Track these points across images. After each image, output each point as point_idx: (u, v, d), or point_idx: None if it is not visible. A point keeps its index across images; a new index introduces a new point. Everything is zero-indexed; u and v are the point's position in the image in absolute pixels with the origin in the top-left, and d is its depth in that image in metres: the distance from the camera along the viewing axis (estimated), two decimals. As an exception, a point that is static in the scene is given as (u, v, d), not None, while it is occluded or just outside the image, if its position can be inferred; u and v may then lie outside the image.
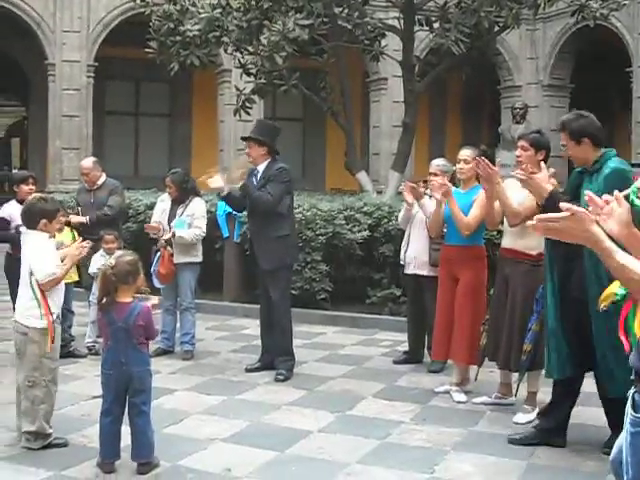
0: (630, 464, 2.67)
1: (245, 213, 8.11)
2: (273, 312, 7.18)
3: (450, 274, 6.59)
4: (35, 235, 5.21)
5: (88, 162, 8.75)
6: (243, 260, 9.95)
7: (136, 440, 4.79)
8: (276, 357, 7.20)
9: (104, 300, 4.82)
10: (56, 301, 5.23)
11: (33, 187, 7.46)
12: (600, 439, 5.21)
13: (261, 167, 7.16)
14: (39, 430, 5.10)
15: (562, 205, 2.52)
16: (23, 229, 5.37)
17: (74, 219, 8.10)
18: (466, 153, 6.54)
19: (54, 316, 5.15)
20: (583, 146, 5.08)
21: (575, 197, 4.94)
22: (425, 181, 7.52)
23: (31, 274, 5.10)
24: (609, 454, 4.79)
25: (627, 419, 2.70)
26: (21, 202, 6.67)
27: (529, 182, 5.20)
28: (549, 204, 5.11)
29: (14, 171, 19.50)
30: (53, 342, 5.10)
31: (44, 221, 5.18)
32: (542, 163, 5.37)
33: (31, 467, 4.83)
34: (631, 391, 2.69)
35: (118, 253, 7.07)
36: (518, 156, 5.78)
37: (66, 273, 5.31)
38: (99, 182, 8.48)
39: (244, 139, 7.48)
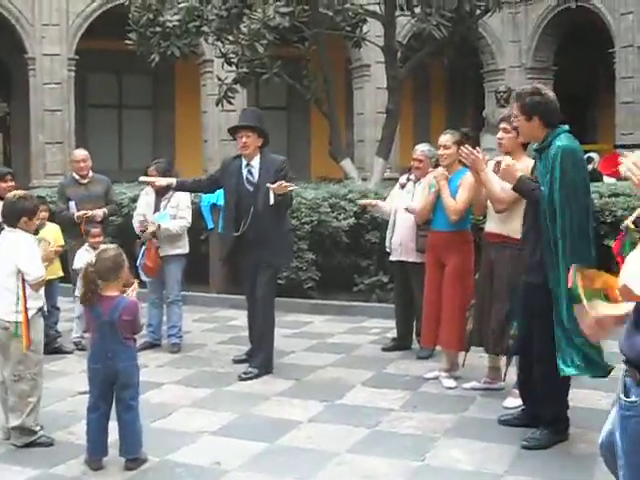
0: (621, 448, 2.65)
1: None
2: (258, 307, 6.93)
3: (437, 260, 6.56)
4: (20, 235, 5.19)
5: (82, 151, 8.61)
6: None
7: (124, 436, 4.76)
8: (251, 352, 7.07)
9: (87, 296, 4.79)
10: (39, 295, 5.20)
11: (11, 184, 7.37)
12: (592, 422, 5.19)
13: (255, 160, 6.88)
14: (23, 425, 5.06)
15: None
16: (5, 227, 5.32)
17: (91, 212, 7.99)
18: (445, 138, 6.46)
19: (34, 310, 5.12)
20: (532, 123, 4.96)
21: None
22: (409, 169, 7.47)
23: (18, 272, 5.07)
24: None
25: (617, 404, 2.68)
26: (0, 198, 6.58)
27: (504, 171, 5.18)
28: (518, 189, 5.11)
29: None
30: (29, 339, 5.05)
31: (24, 219, 5.19)
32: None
33: (17, 466, 4.78)
34: (621, 374, 2.68)
35: (101, 247, 7.05)
36: (500, 138, 5.75)
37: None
38: (90, 175, 8.36)
39: (241, 128, 6.92)
